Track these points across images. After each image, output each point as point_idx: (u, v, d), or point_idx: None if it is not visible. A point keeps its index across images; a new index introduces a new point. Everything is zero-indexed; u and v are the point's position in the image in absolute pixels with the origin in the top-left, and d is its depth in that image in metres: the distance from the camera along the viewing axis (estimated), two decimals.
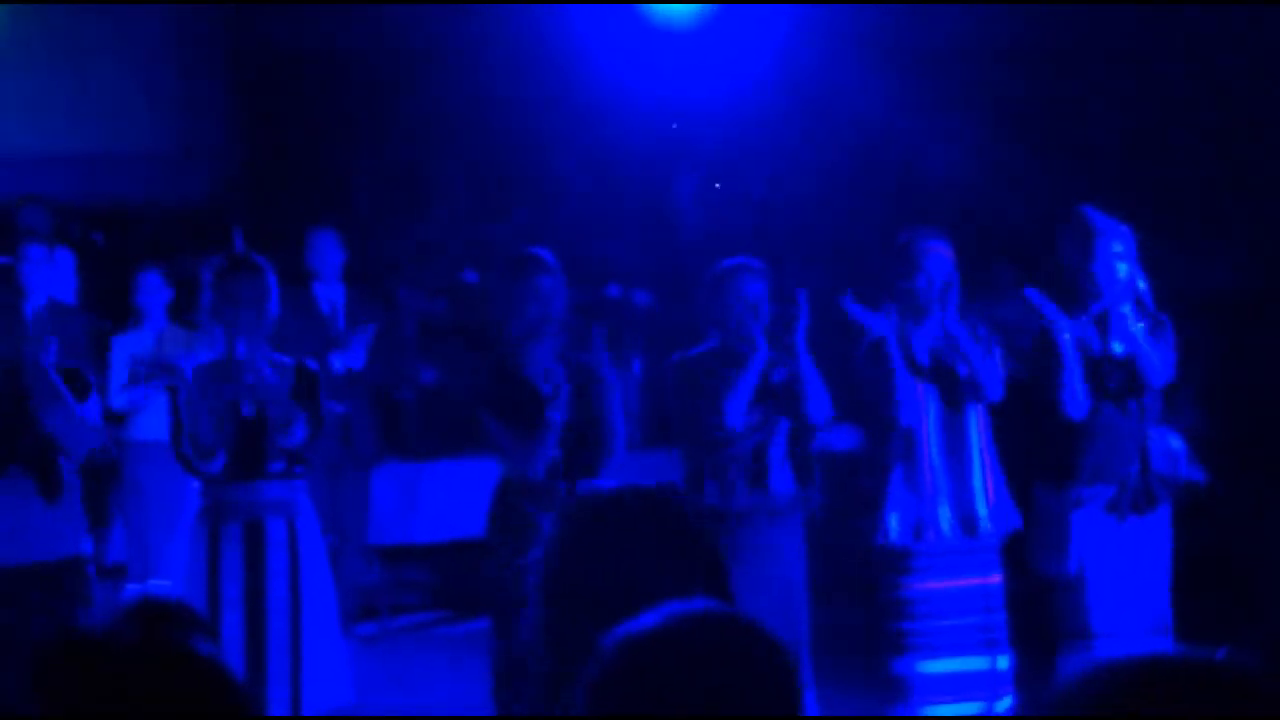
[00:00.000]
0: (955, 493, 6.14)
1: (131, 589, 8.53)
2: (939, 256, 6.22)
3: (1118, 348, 6.16)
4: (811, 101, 10.86)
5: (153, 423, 8.92)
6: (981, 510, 6.15)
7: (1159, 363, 6.15)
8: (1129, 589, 6.09)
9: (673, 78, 11.23)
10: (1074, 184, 9.12)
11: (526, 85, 11.17)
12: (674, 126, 11.59)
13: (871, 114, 10.59)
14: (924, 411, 6.20)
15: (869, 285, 6.48)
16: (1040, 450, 6.25)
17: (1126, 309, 6.15)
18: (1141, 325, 6.16)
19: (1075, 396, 6.08)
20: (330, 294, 8.93)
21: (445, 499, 9.66)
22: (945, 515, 6.12)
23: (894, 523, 6.13)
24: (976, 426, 6.23)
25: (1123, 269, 6.16)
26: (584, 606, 2.29)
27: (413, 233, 11.03)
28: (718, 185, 11.88)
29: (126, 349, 8.99)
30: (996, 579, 6.20)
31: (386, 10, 11.06)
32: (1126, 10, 9.58)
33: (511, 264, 6.22)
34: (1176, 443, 6.21)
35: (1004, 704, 6.10)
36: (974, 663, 6.11)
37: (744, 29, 10.87)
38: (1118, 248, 6.16)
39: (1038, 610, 6.17)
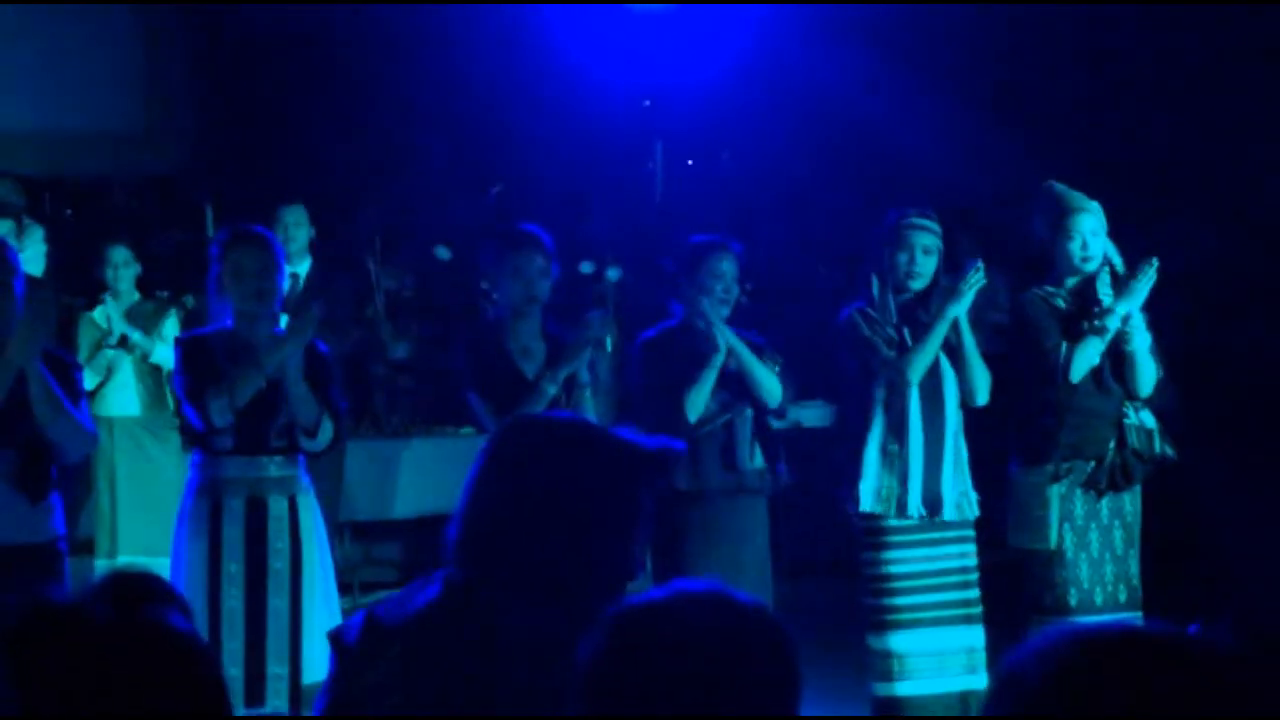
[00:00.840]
0: (926, 473, 6.15)
1: (101, 564, 8.52)
2: (927, 235, 6.21)
3: (1112, 319, 6.17)
4: (780, 79, 10.88)
5: (120, 399, 8.91)
6: (947, 495, 6.16)
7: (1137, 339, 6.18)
8: (1104, 565, 6.11)
9: (645, 56, 11.22)
10: (1037, 159, 9.16)
11: (500, 63, 11.14)
12: (646, 104, 11.58)
13: (837, 91, 10.60)
14: (902, 391, 6.20)
15: (841, 259, 6.49)
16: (1016, 426, 6.27)
17: (1100, 284, 6.17)
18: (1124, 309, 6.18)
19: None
20: (294, 270, 8.92)
21: (417, 475, 9.65)
22: (914, 495, 6.14)
23: (867, 492, 6.15)
24: (954, 411, 6.24)
25: (1095, 244, 6.18)
26: None
27: (385, 209, 11.00)
28: (690, 162, 11.88)
29: (95, 324, 8.98)
30: (971, 555, 6.22)
31: None
32: None
33: (506, 239, 6.20)
34: (1150, 420, 6.23)
35: (978, 679, 6.12)
36: (951, 638, 6.12)
37: (715, 8, 10.86)
38: (1089, 223, 6.18)
39: (1013, 586, 6.19)
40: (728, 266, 6.26)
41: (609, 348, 10.63)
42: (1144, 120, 9.68)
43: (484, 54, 11.14)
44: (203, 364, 5.78)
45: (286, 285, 8.78)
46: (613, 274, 10.77)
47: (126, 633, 1.82)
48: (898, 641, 6.11)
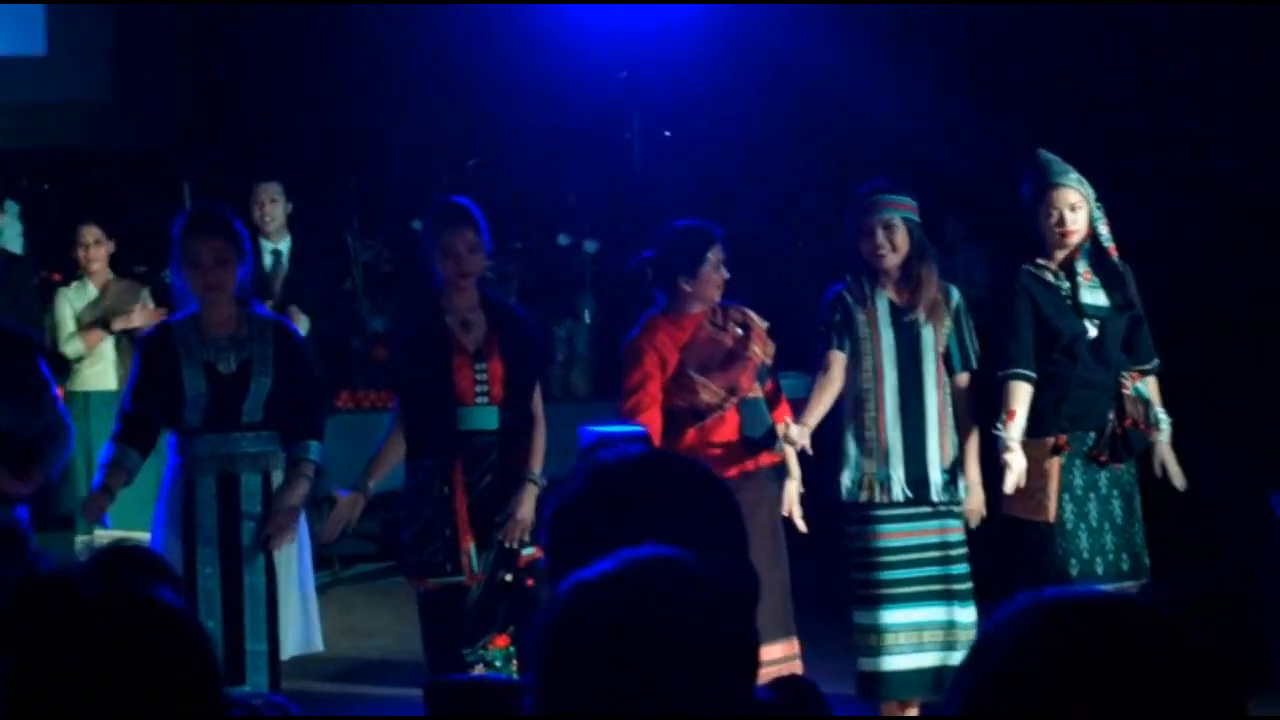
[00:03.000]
0: (909, 456, 6.15)
1: (81, 540, 8.50)
2: (896, 210, 6.18)
3: (1087, 295, 6.18)
4: (758, 50, 10.86)
5: (98, 374, 8.90)
6: (934, 477, 6.16)
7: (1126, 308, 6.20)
8: (1103, 534, 6.12)
9: (621, 26, 11.20)
10: (1018, 135, 9.16)
11: (476, 35, 11.12)
12: (622, 75, 11.57)
13: (815, 62, 10.59)
14: (880, 371, 6.20)
15: (818, 229, 6.49)
16: None
17: (1080, 262, 6.17)
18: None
19: None
20: (275, 246, 8.91)
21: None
22: (898, 477, 6.13)
23: (847, 481, 6.15)
24: (934, 390, 6.23)
25: (1075, 219, 6.16)
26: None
27: (361, 182, 10.98)
28: (667, 133, 11.87)
29: (72, 301, 8.96)
30: (956, 531, 6.22)
31: None
32: None
33: (436, 214, 6.14)
34: (1145, 391, 6.23)
35: (956, 656, 6.11)
36: (932, 613, 6.13)
37: None
38: (1069, 197, 6.15)
39: (1006, 557, 6.20)
40: (718, 252, 6.26)
41: (587, 319, 10.68)
42: (1127, 93, 9.69)
43: (461, 26, 11.11)
44: (155, 374, 5.80)
45: (269, 262, 8.79)
46: (590, 246, 10.76)
47: (118, 606, 1.83)
48: (880, 616, 6.12)
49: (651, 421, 6.09)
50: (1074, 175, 6.16)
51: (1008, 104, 9.83)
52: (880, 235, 6.16)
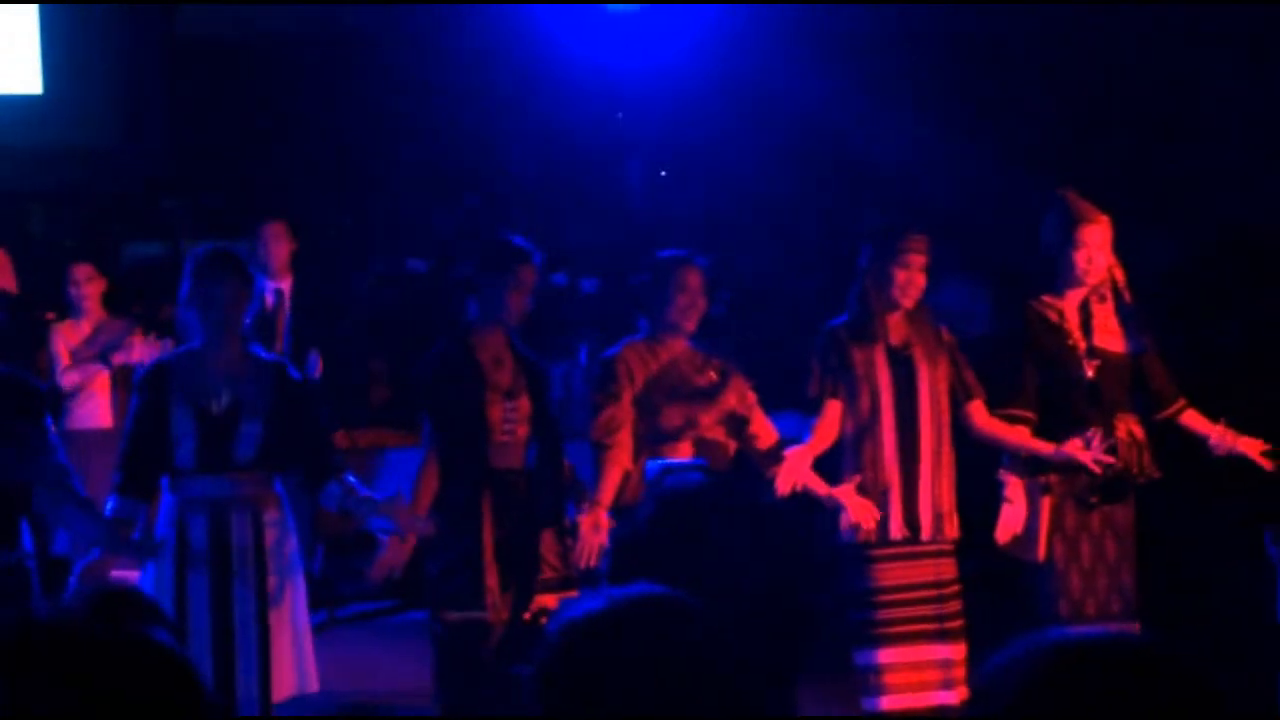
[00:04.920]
0: (905, 495, 6.15)
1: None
2: (923, 254, 6.18)
3: (1099, 338, 6.19)
4: (755, 89, 10.90)
5: (91, 412, 8.89)
6: (926, 517, 6.16)
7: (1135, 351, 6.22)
8: (1095, 575, 6.11)
9: (619, 67, 11.24)
10: (1009, 169, 9.19)
11: (474, 74, 11.15)
12: (619, 116, 11.60)
13: (812, 102, 10.63)
14: (879, 410, 6.19)
15: (816, 268, 6.49)
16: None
17: (1105, 293, 6.19)
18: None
19: None
20: (277, 285, 8.92)
21: (393, 487, 9.61)
22: (895, 516, 6.13)
23: (847, 521, 6.13)
24: (929, 429, 6.22)
25: (1100, 258, 6.16)
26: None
27: (360, 221, 11.00)
28: (664, 173, 11.90)
29: (65, 339, 8.96)
30: (949, 569, 6.21)
31: None
32: None
33: (496, 249, 6.21)
34: (1139, 431, 6.23)
35: (953, 695, 6.11)
36: (929, 651, 6.12)
37: (689, 20, 10.89)
38: (1096, 235, 6.15)
39: (1002, 596, 6.19)
40: (693, 280, 6.27)
41: (583, 360, 10.69)
42: (1117, 129, 9.73)
43: (459, 66, 11.15)
44: (149, 414, 5.79)
45: (273, 301, 8.80)
46: (587, 285, 10.78)
47: (111, 647, 1.82)
48: (880, 655, 6.11)
49: (623, 442, 6.11)
50: (1102, 215, 6.16)
51: (1001, 138, 9.86)
52: (905, 276, 6.16)
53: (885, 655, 6.09)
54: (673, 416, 6.20)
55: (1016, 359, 6.19)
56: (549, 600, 6.02)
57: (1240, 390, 7.85)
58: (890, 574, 6.13)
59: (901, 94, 10.38)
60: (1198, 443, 6.30)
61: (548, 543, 6.10)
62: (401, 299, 10.84)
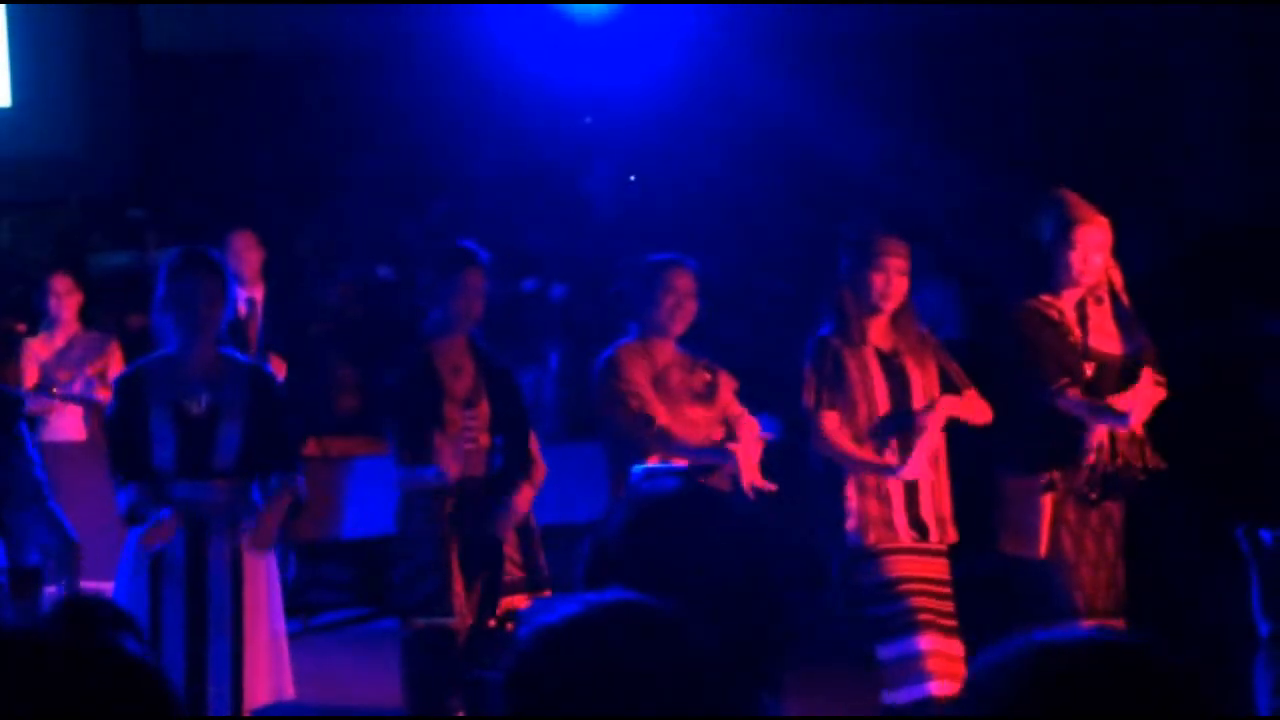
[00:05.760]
0: (908, 498, 6.15)
1: (51, 592, 8.44)
2: (901, 257, 6.17)
3: (1096, 340, 6.19)
4: (721, 94, 10.92)
5: (65, 424, 8.85)
6: (929, 518, 6.17)
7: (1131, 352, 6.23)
8: (1099, 570, 6.13)
9: (585, 73, 11.24)
10: (979, 172, 9.22)
11: (441, 81, 11.15)
12: (587, 121, 11.60)
13: (780, 107, 10.64)
14: (876, 415, 6.18)
15: (785, 273, 6.49)
16: (1007, 434, 6.25)
17: (1102, 295, 6.19)
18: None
19: None
20: (249, 294, 8.90)
21: (363, 496, 9.62)
22: (899, 519, 6.13)
23: (852, 526, 6.12)
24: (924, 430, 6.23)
25: (1102, 258, 6.17)
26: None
27: (326, 228, 10.98)
28: (632, 178, 11.90)
29: (36, 353, 8.91)
30: (944, 568, 6.23)
31: (296, 9, 11.00)
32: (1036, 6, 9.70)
33: (444, 255, 6.21)
34: (1138, 429, 6.24)
35: (952, 688, 6.10)
36: (926, 646, 6.11)
37: (656, 25, 10.90)
38: (1094, 236, 6.15)
39: (1001, 595, 6.20)
40: (682, 283, 6.27)
41: (553, 365, 10.68)
42: (1086, 133, 9.76)
43: (426, 74, 11.14)
44: (128, 418, 5.76)
45: (246, 310, 8.78)
46: (556, 291, 10.78)
47: (82, 657, 1.82)
48: (921, 642, 6.09)
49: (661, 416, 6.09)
50: (1100, 217, 6.15)
51: (971, 143, 9.89)
52: (884, 281, 6.13)
53: (925, 642, 6.05)
54: (676, 420, 6.18)
55: (1034, 342, 6.17)
56: (519, 601, 6.03)
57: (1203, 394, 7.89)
58: (906, 566, 6.11)
59: (870, 97, 10.41)
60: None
61: (513, 544, 6.09)
62: (369, 307, 10.82)
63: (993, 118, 10.14)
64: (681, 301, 6.24)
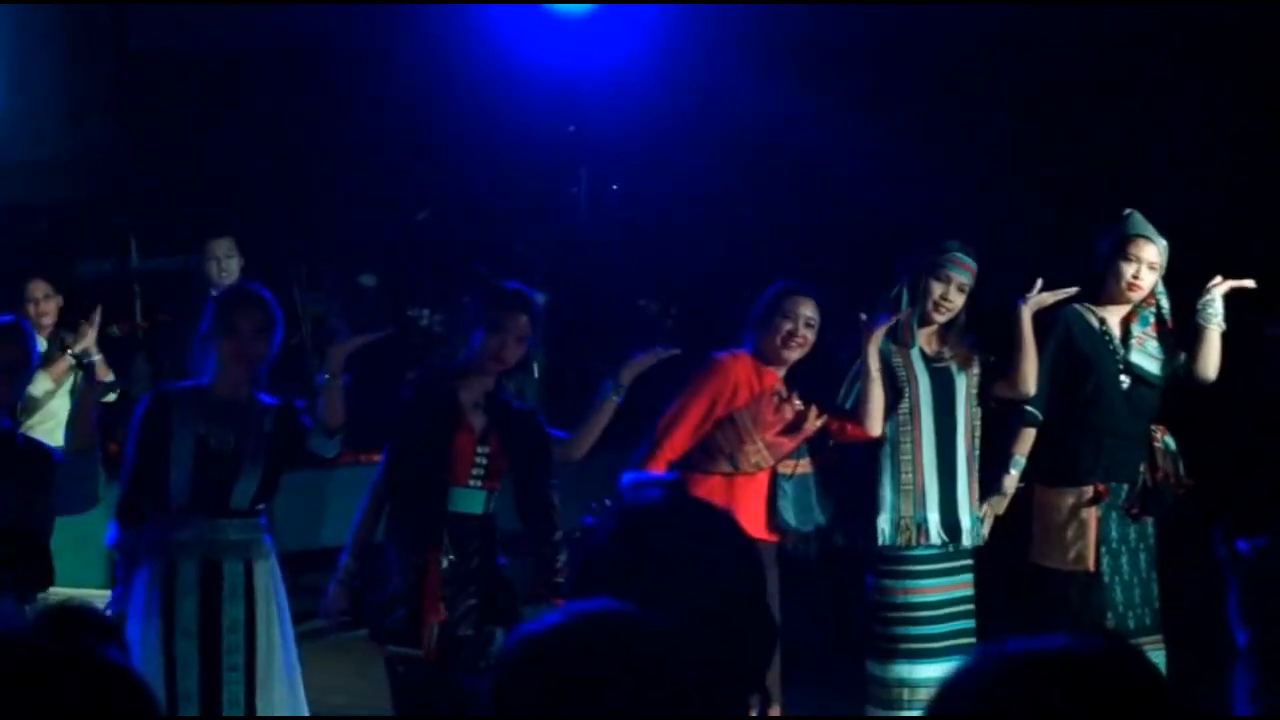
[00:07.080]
0: (944, 500, 6.20)
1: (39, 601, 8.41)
2: (966, 273, 6.26)
3: (1137, 357, 6.27)
4: (708, 100, 10.91)
5: (49, 432, 8.81)
6: (965, 521, 6.21)
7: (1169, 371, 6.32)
8: (1134, 588, 6.16)
9: (570, 77, 11.23)
10: (964, 175, 9.22)
11: (424, 85, 11.13)
12: (571, 129, 11.59)
13: (766, 118, 10.65)
14: (918, 414, 6.23)
15: (773, 275, 6.50)
16: (1047, 448, 6.30)
17: (1140, 324, 6.28)
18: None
19: None
20: None
21: (344, 504, 9.59)
22: (934, 520, 6.18)
23: (885, 525, 6.16)
24: (964, 435, 6.30)
25: (1147, 276, 6.23)
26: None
27: (309, 234, 10.96)
28: (615, 187, 11.90)
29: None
30: (970, 586, 6.27)
31: (280, 10, 10.99)
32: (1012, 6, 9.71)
33: (494, 294, 6.08)
34: (1173, 443, 6.33)
35: None
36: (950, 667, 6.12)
37: (640, 27, 10.89)
38: (1150, 253, 6.25)
39: (1029, 606, 6.22)
40: (806, 310, 6.25)
41: (535, 372, 10.67)
42: (1076, 138, 9.78)
43: (408, 78, 11.12)
44: (150, 445, 5.72)
45: None
46: (539, 298, 10.76)
47: (62, 664, 1.81)
48: (907, 670, 6.11)
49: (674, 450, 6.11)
50: (1161, 239, 6.26)
51: (956, 144, 9.90)
52: (950, 292, 6.24)
53: (913, 670, 6.09)
54: (757, 446, 6.18)
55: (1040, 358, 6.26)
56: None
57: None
58: (927, 590, 6.15)
59: (855, 98, 10.41)
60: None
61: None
62: (352, 314, 10.80)
63: (979, 120, 10.15)
64: (800, 328, 6.23)
